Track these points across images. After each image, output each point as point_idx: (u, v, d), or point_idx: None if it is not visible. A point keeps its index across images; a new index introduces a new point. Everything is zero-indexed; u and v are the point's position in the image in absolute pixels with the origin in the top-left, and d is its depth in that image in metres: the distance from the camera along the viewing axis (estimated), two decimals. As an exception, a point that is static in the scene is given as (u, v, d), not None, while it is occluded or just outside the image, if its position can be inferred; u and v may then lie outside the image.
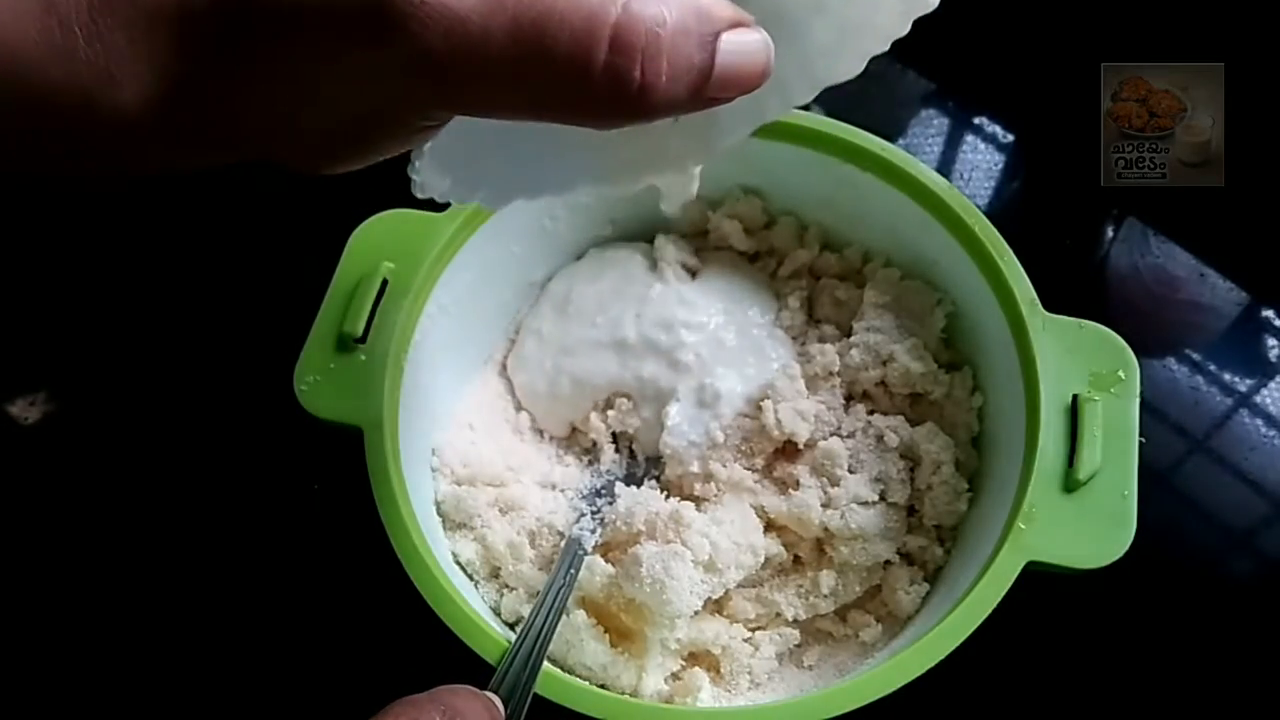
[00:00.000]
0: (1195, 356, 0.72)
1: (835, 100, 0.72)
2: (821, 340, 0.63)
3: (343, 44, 0.31)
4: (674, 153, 0.45)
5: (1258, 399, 0.71)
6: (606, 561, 0.55)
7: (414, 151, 0.38)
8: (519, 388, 0.65)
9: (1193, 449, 0.69)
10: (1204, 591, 0.64)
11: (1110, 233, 0.77)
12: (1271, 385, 0.71)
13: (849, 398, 0.62)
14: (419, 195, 0.40)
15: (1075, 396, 0.53)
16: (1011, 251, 0.56)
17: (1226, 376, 0.71)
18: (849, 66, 0.41)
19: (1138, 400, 0.53)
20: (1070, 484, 0.51)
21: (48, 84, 0.31)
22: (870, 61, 0.39)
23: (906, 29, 0.38)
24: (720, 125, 0.45)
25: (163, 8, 0.31)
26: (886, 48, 0.40)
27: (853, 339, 0.61)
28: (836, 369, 0.61)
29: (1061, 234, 0.75)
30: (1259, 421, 0.70)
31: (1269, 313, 0.74)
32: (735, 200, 0.66)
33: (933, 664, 0.46)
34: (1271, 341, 0.73)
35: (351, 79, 0.32)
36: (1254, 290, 0.74)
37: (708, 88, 0.31)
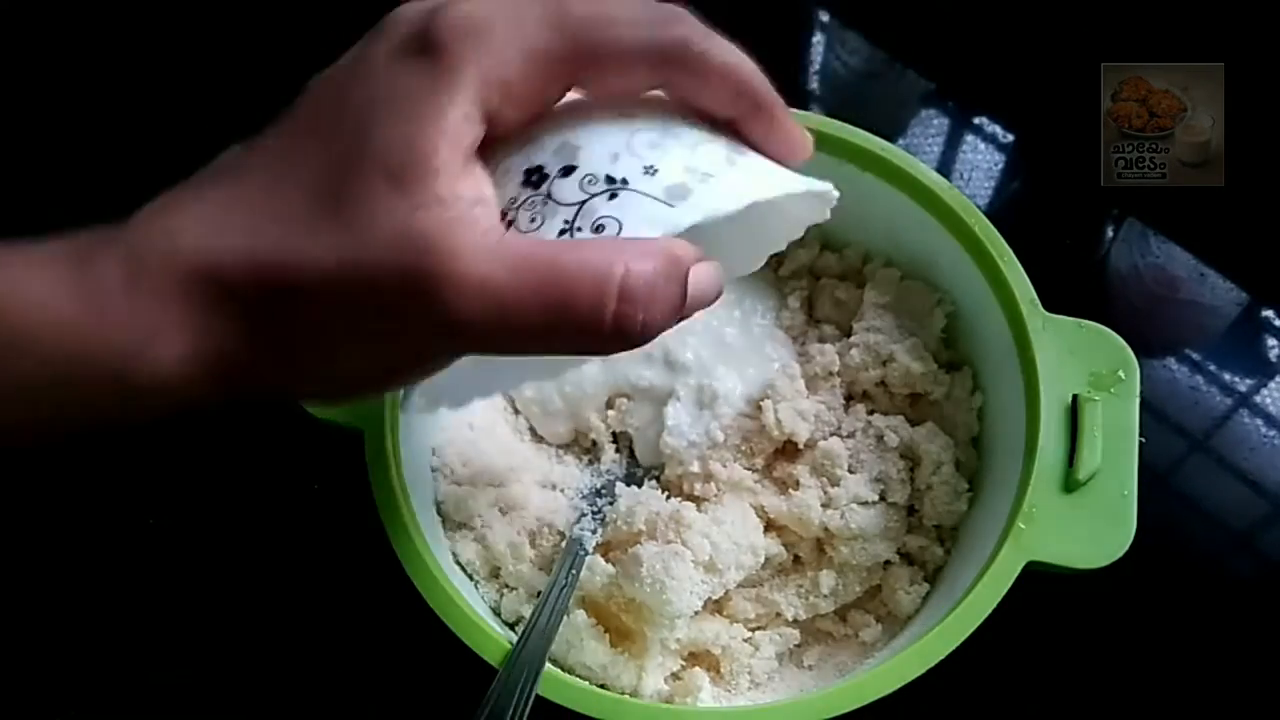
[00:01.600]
0: (1195, 356, 0.72)
1: (835, 100, 0.72)
2: (821, 340, 0.63)
3: (379, 312, 0.33)
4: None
5: (1258, 399, 0.71)
6: (607, 561, 0.55)
7: None
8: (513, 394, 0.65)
9: (1193, 449, 0.69)
10: (1204, 592, 0.64)
11: (1110, 233, 0.77)
12: (1271, 385, 0.71)
13: (849, 398, 0.62)
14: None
15: (1075, 396, 0.53)
16: (1011, 252, 0.56)
17: (1226, 376, 0.71)
18: (752, 265, 0.50)
19: (1138, 400, 0.53)
20: (1070, 484, 0.51)
21: (84, 349, 0.33)
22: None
23: (801, 233, 0.46)
24: None
25: (196, 276, 0.33)
26: (784, 247, 0.48)
27: (853, 339, 0.61)
28: (836, 369, 0.61)
29: (1061, 234, 0.75)
30: (1259, 421, 0.70)
31: (1269, 313, 0.74)
32: None
33: (933, 664, 0.46)
34: (1271, 341, 0.73)
35: (382, 338, 0.35)
36: (1254, 290, 0.74)
37: (683, 312, 0.37)
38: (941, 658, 0.47)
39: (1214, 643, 0.61)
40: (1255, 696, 0.60)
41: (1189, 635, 0.62)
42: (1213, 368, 0.72)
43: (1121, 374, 0.53)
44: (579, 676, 0.52)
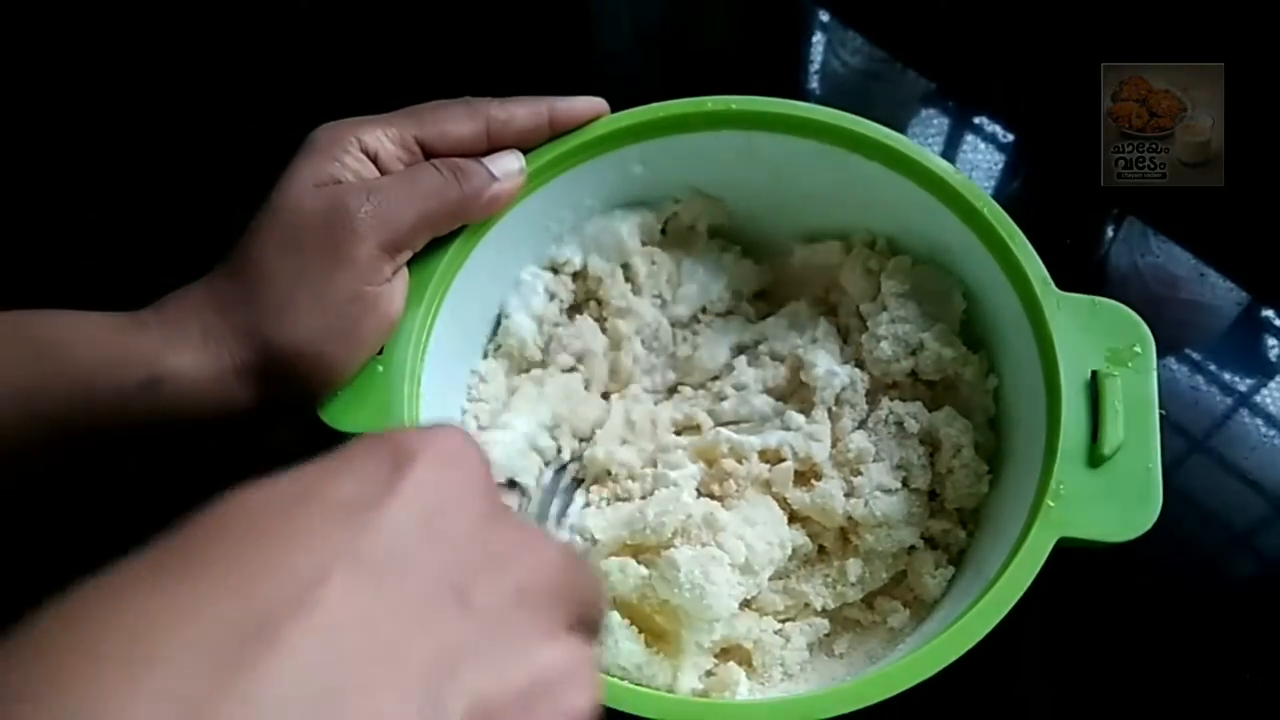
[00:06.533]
0: (1195, 356, 0.72)
1: (836, 100, 0.72)
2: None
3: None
4: None
5: (1258, 399, 0.71)
6: (639, 564, 0.54)
7: None
8: None
9: (1193, 449, 0.69)
10: (1203, 592, 0.63)
11: (1110, 232, 0.77)
12: (1271, 385, 0.72)
13: (870, 390, 0.61)
14: None
15: (1094, 372, 0.52)
16: (1021, 233, 0.56)
17: (1226, 376, 0.72)
18: None
19: (1155, 373, 0.53)
20: (1095, 459, 0.50)
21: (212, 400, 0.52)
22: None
23: None
24: None
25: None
26: None
27: (880, 331, 0.60)
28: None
29: (1061, 234, 0.75)
30: (1259, 421, 0.70)
31: (1269, 313, 0.75)
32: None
33: (971, 645, 0.45)
34: (1271, 341, 0.74)
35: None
36: (1254, 290, 0.74)
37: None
38: (979, 639, 0.46)
39: (1214, 642, 0.61)
40: (1255, 696, 0.60)
41: (1189, 635, 0.61)
42: (1213, 368, 0.72)
43: (1138, 348, 0.53)
44: (614, 678, 0.50)
